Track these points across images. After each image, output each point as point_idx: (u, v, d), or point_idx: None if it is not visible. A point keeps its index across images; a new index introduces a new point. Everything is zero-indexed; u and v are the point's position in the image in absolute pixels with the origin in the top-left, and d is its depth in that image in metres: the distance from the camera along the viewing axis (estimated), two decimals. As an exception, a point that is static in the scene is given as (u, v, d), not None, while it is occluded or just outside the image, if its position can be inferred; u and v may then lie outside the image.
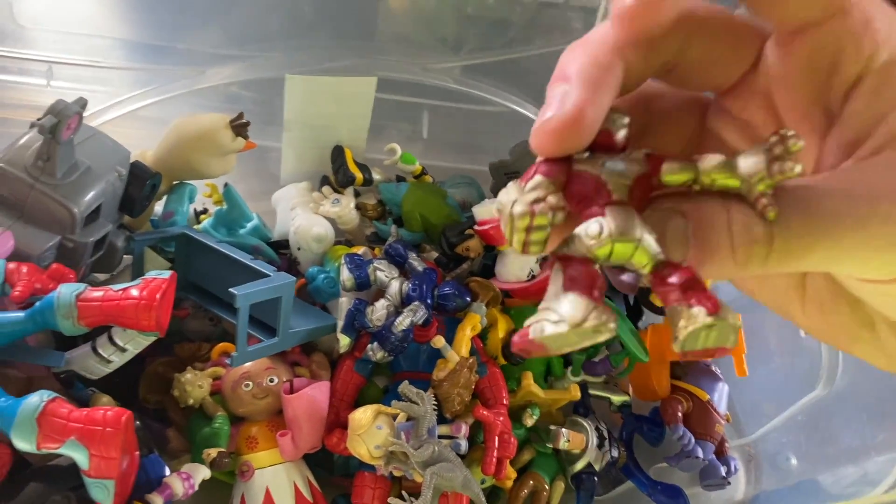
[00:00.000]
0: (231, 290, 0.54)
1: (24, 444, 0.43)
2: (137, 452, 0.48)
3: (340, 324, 0.64)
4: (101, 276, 0.66)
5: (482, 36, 0.82)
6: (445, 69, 0.79)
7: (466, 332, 0.64)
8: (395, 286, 0.64)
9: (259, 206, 0.78)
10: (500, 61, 0.81)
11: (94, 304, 0.47)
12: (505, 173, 0.74)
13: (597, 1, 0.81)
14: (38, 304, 0.48)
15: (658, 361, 0.70)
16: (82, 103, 0.56)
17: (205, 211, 0.76)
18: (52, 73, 0.79)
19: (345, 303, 0.65)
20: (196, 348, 0.64)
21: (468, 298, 0.65)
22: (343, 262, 0.66)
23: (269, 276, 0.59)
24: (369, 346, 0.63)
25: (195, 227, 0.71)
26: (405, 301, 0.64)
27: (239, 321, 0.55)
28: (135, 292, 0.47)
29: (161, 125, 0.73)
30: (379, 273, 0.65)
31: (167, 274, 0.48)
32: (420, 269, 0.66)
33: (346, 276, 0.65)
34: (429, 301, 0.63)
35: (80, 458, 0.43)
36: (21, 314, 0.48)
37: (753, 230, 0.22)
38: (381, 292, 0.65)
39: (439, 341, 0.62)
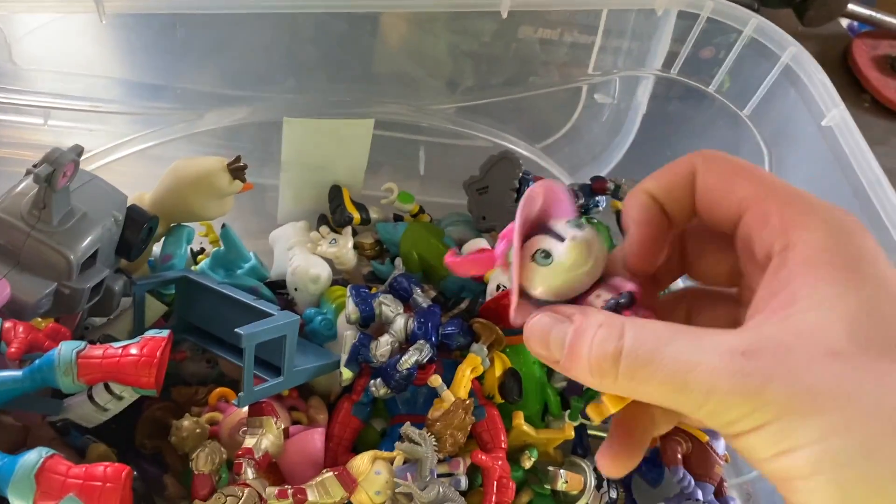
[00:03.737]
0: (237, 329, 0.54)
1: (21, 503, 0.43)
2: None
3: (344, 357, 0.64)
4: (99, 321, 0.66)
5: (478, 75, 0.82)
6: (441, 110, 0.79)
7: (466, 373, 0.63)
8: (400, 322, 0.64)
9: (256, 245, 0.78)
10: (495, 101, 0.82)
11: (95, 361, 0.47)
12: (476, 189, 0.75)
13: (591, 39, 0.82)
14: (37, 361, 0.47)
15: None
16: (78, 150, 0.56)
17: (202, 251, 0.76)
18: (49, 112, 0.79)
19: (349, 337, 0.64)
20: (192, 392, 0.64)
21: (470, 339, 0.65)
22: (349, 294, 0.66)
23: (272, 315, 0.59)
24: (372, 382, 0.63)
25: (193, 268, 0.71)
26: (410, 338, 0.64)
27: (245, 361, 0.55)
28: (134, 350, 0.47)
29: (159, 165, 0.74)
30: (384, 308, 0.65)
31: (165, 333, 0.48)
32: (424, 305, 0.66)
33: (351, 309, 0.65)
34: (433, 339, 0.63)
35: (78, 514, 0.43)
36: (19, 373, 0.47)
37: (606, 345, 0.25)
38: (383, 327, 0.66)
39: (436, 380, 0.62)
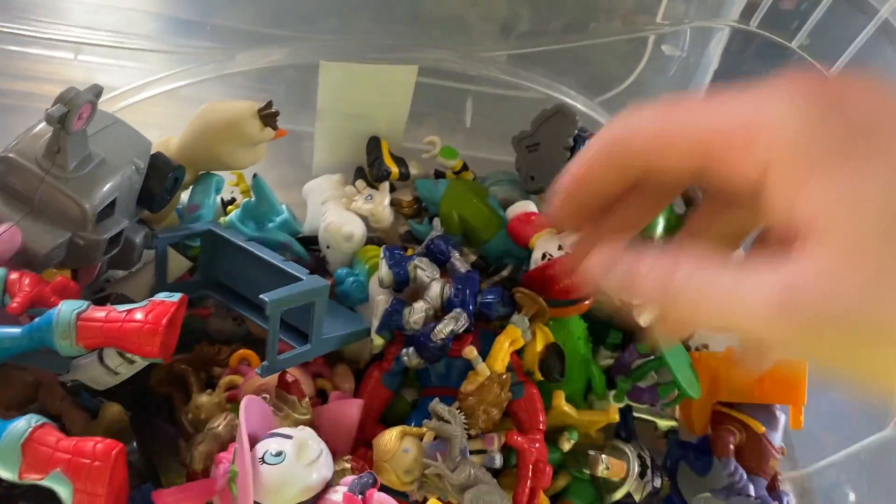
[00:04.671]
0: (262, 296, 0.50)
1: (5, 472, 0.40)
2: (126, 490, 0.44)
3: (375, 323, 0.60)
4: (121, 273, 0.63)
5: (534, 19, 0.75)
6: (492, 57, 0.73)
7: (504, 346, 0.59)
8: (436, 288, 0.59)
9: (290, 197, 0.73)
10: (551, 50, 0.75)
11: (96, 324, 0.43)
12: (526, 146, 0.69)
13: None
14: (36, 320, 0.44)
15: (701, 398, 0.64)
16: (97, 91, 0.52)
17: (232, 201, 0.72)
18: (80, 48, 0.75)
19: (382, 301, 0.60)
20: (216, 352, 0.61)
21: (510, 309, 0.61)
22: (382, 256, 0.61)
23: (301, 279, 0.55)
24: (404, 350, 0.59)
25: (222, 218, 0.67)
26: (446, 306, 0.59)
27: (270, 329, 0.52)
28: (139, 315, 0.43)
29: (190, 106, 0.69)
30: (420, 272, 0.60)
31: (177, 296, 0.44)
32: (463, 270, 0.61)
33: (384, 272, 0.61)
34: (471, 308, 0.59)
35: (64, 492, 0.39)
36: (17, 330, 0.44)
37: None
38: (417, 293, 0.61)
39: (471, 352, 0.57)
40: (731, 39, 0.73)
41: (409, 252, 0.65)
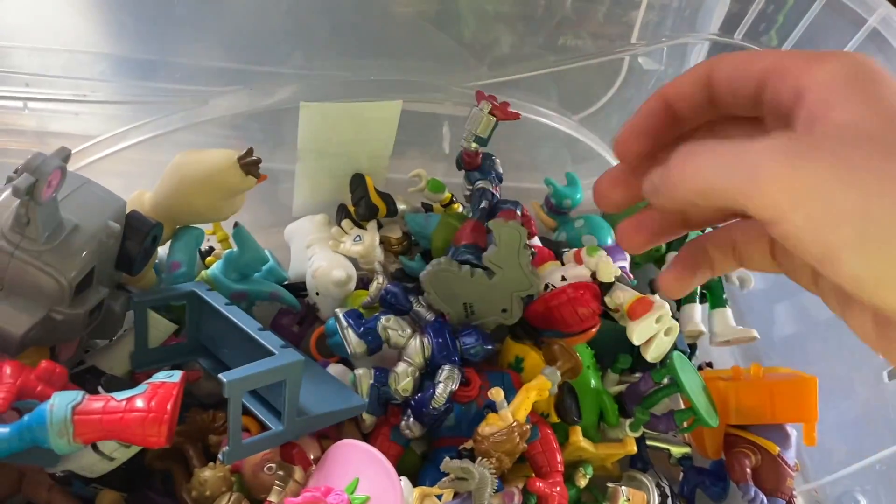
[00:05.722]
0: (220, 375, 0.45)
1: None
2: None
3: (363, 398, 0.56)
4: (101, 342, 0.58)
5: (512, 45, 0.73)
6: (471, 87, 0.70)
7: (531, 396, 0.56)
8: (415, 346, 0.57)
9: (269, 240, 0.70)
10: (528, 72, 0.73)
11: (94, 417, 0.39)
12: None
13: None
14: (26, 418, 0.40)
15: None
16: (64, 155, 0.48)
17: (210, 250, 0.68)
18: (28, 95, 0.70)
19: (363, 376, 0.56)
20: (210, 419, 0.57)
21: (490, 346, 0.58)
22: (345, 325, 0.57)
23: (273, 353, 0.49)
24: (403, 423, 0.56)
25: (203, 272, 0.63)
26: (430, 365, 0.57)
27: (230, 413, 0.46)
28: (140, 403, 0.39)
29: (159, 153, 0.65)
30: (391, 332, 0.57)
31: (177, 376, 0.41)
32: (429, 317, 0.59)
33: (354, 343, 0.57)
34: (457, 360, 0.56)
35: None
36: (6, 429, 0.40)
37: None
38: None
39: (498, 394, 0.54)
40: (712, 51, 0.72)
41: (362, 309, 0.62)
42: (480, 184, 0.64)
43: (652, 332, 0.59)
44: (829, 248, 0.23)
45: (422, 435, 0.56)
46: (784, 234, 0.24)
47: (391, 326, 0.58)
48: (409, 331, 0.58)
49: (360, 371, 0.56)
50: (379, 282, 0.60)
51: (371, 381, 0.56)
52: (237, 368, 0.46)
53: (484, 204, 0.63)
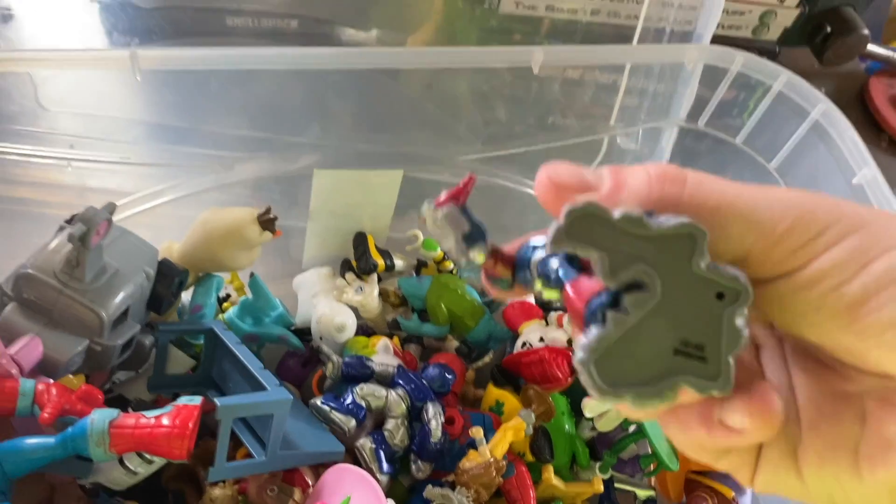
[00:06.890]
0: (215, 399, 0.52)
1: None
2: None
3: (374, 466, 0.61)
4: (125, 374, 0.66)
5: (506, 123, 0.82)
6: (467, 160, 0.79)
7: (507, 435, 0.62)
8: (394, 400, 0.63)
9: (279, 288, 0.77)
10: (519, 148, 0.82)
11: (127, 431, 0.46)
12: None
13: (615, 88, 0.82)
14: (69, 430, 0.47)
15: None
16: (111, 209, 0.56)
17: (227, 297, 0.76)
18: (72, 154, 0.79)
19: (366, 446, 0.61)
20: (219, 446, 0.63)
21: (451, 376, 0.65)
22: (328, 409, 0.62)
23: (266, 388, 0.57)
24: (413, 466, 0.62)
25: (220, 315, 0.71)
26: (413, 410, 0.63)
27: (220, 435, 0.53)
28: (166, 421, 0.47)
29: (184, 209, 0.73)
30: (371, 400, 0.63)
31: (197, 400, 0.48)
32: (392, 370, 0.65)
33: (343, 419, 0.62)
34: (432, 396, 0.64)
35: None
36: (51, 439, 0.47)
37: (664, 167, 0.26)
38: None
39: (478, 432, 0.61)
40: (680, 135, 0.81)
41: (396, 340, 0.70)
42: None
43: (605, 409, 0.65)
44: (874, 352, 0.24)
45: (430, 472, 0.62)
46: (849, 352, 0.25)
47: (366, 393, 0.63)
48: (383, 391, 0.63)
49: (360, 442, 0.61)
50: (334, 361, 0.66)
51: (373, 446, 0.61)
52: (232, 396, 0.54)
53: None
